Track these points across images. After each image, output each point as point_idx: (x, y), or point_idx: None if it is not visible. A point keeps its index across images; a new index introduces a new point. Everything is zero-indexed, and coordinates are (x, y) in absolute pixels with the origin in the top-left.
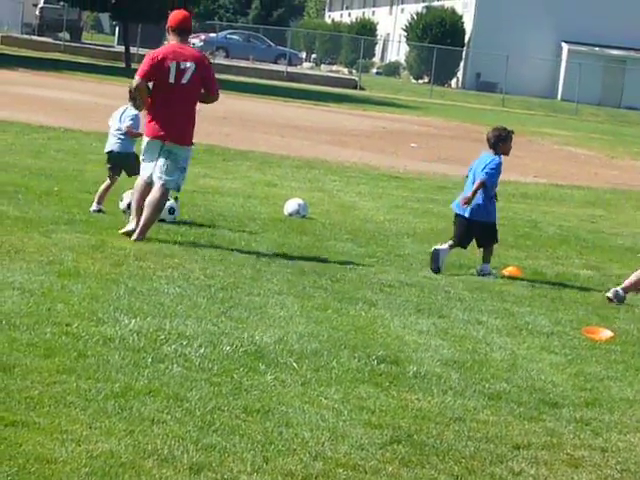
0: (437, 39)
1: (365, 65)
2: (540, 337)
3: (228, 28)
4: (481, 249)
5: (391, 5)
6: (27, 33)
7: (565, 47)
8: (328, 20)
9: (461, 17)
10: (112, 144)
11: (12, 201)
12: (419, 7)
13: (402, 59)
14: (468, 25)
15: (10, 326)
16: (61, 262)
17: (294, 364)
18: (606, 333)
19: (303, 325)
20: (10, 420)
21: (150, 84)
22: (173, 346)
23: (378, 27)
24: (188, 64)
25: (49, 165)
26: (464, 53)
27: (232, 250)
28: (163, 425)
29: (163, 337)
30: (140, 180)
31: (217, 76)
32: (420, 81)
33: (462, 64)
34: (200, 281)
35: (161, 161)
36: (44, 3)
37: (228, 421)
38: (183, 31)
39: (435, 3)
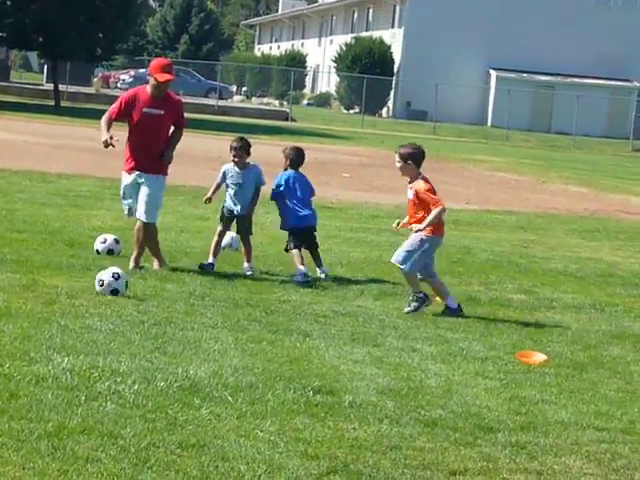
0: (366, 69)
1: (296, 97)
2: (475, 362)
3: None
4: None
5: (320, 37)
6: None
7: (493, 74)
8: (258, 53)
9: (389, 47)
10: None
11: None
12: (348, 38)
13: (333, 90)
14: (397, 54)
15: None
16: None
17: (229, 398)
18: (540, 357)
19: (238, 358)
20: None
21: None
22: (107, 383)
23: (308, 58)
24: None
25: None
26: (394, 82)
27: (165, 285)
28: (97, 463)
29: (96, 374)
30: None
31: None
32: (351, 111)
33: (392, 93)
34: (133, 317)
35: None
36: None
37: (163, 457)
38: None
39: (363, 34)
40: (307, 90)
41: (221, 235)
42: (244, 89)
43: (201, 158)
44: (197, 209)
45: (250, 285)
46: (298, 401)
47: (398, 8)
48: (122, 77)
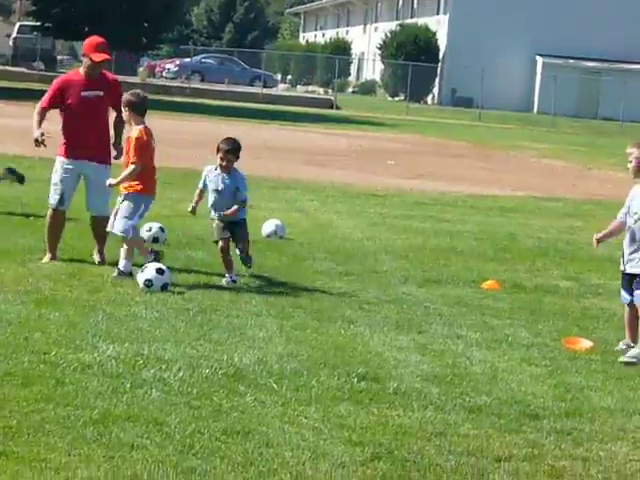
0: (411, 56)
1: (340, 84)
2: (520, 349)
3: (202, 52)
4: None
5: (365, 24)
6: (1, 64)
7: (540, 60)
8: (302, 41)
9: (435, 34)
10: None
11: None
12: (393, 25)
13: (377, 77)
14: (442, 41)
15: None
16: (38, 291)
17: (274, 385)
18: (586, 343)
19: (282, 345)
20: None
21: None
22: (152, 371)
23: (352, 46)
24: None
25: (25, 195)
26: (439, 69)
27: (210, 273)
28: (143, 450)
29: (142, 362)
30: None
31: (193, 100)
32: (396, 98)
33: (437, 80)
34: (178, 305)
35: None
36: (17, 33)
37: (208, 443)
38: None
39: (408, 20)
40: (352, 78)
41: (224, 251)
42: (289, 77)
43: (246, 146)
44: None
45: (295, 273)
46: (342, 388)
47: None
48: (167, 66)
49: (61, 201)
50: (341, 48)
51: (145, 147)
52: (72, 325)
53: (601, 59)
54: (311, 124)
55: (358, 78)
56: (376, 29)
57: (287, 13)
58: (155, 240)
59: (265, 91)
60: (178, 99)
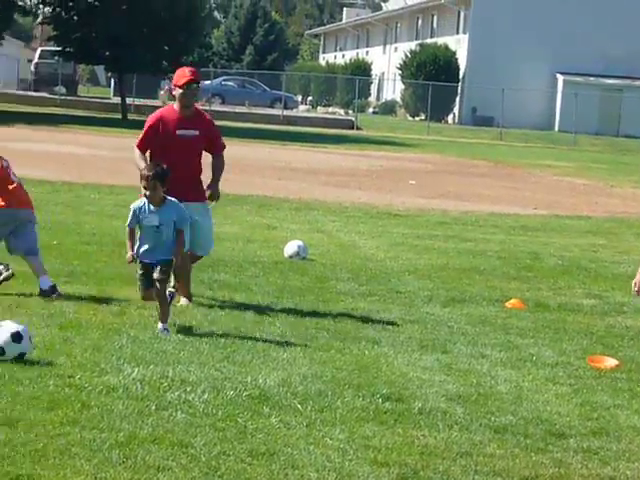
0: (431, 76)
1: (361, 105)
2: (545, 368)
3: (223, 75)
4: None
5: (384, 44)
6: (23, 89)
7: (560, 78)
8: (322, 62)
9: (454, 53)
10: None
11: (11, 256)
12: (412, 45)
13: (398, 97)
14: (462, 60)
15: (13, 380)
16: (63, 314)
17: (298, 406)
18: (611, 362)
19: (306, 366)
20: (15, 474)
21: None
22: (177, 393)
23: (372, 67)
24: None
25: (48, 218)
26: (459, 88)
27: (233, 295)
28: (168, 472)
29: (166, 384)
30: None
31: (215, 122)
32: (417, 118)
33: (458, 99)
34: (202, 327)
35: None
36: (39, 59)
37: (234, 465)
38: None
39: (428, 40)
40: (372, 98)
41: (146, 299)
42: (309, 98)
43: (267, 168)
44: (263, 218)
45: (318, 293)
46: (367, 408)
47: (462, 14)
48: None
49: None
50: (361, 68)
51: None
52: (97, 348)
53: (622, 76)
54: (332, 145)
55: (379, 98)
56: (396, 49)
57: (307, 34)
58: None
59: (286, 113)
60: None
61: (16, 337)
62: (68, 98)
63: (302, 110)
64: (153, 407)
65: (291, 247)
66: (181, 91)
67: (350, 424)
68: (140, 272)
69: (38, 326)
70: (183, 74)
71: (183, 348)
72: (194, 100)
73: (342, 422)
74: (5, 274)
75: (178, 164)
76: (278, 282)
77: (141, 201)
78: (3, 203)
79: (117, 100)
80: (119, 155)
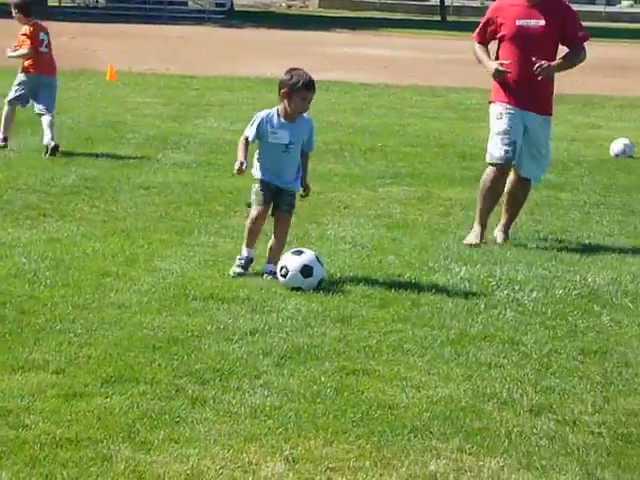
0: None
1: None
2: None
3: None
4: None
5: None
6: None
7: None
8: None
9: None
10: None
11: (338, 159)
12: None
13: None
14: None
15: (344, 279)
16: (389, 215)
17: (629, 305)
18: None
19: (637, 265)
20: (351, 369)
21: None
22: (505, 292)
23: None
24: None
25: (372, 122)
26: None
27: (559, 194)
28: (500, 369)
29: (494, 283)
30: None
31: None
32: None
33: None
34: (528, 226)
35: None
36: None
37: (566, 363)
38: None
39: None
40: None
41: (258, 222)
42: None
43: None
44: (587, 117)
45: None
46: None
47: None
48: None
49: (514, 153)
50: None
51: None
52: (424, 248)
53: None
54: None
55: None
56: None
57: None
58: None
59: (608, 9)
60: None
61: (305, 271)
62: (387, 2)
63: (625, 6)
64: (482, 305)
65: (617, 146)
66: None
67: None
68: (258, 187)
69: (366, 227)
70: None
71: (509, 248)
72: None
73: None
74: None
75: (521, 61)
76: (605, 181)
77: (270, 111)
78: (32, 70)
79: (436, 2)
80: (439, 57)
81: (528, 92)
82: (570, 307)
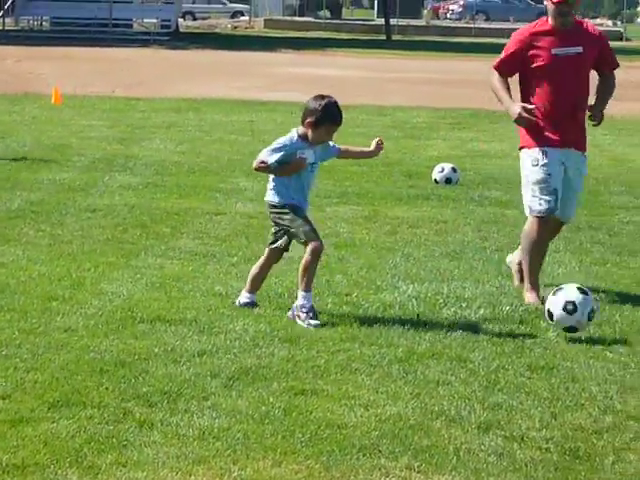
0: None
1: (629, 15)
2: None
3: None
4: None
5: None
6: (289, 15)
7: None
8: None
9: None
10: None
11: None
12: None
13: None
14: None
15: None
16: (337, 234)
17: None
18: None
19: (582, 281)
20: (300, 389)
21: None
22: (452, 309)
23: None
24: None
25: None
26: None
27: (504, 211)
28: (448, 386)
29: (442, 301)
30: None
31: (478, 40)
32: None
33: None
34: (474, 243)
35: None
36: None
37: (513, 379)
38: None
39: None
40: None
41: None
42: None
43: None
44: None
45: (591, 207)
46: None
47: None
48: (451, 7)
49: (550, 208)
50: None
51: None
52: (371, 266)
53: None
54: None
55: None
56: None
57: None
58: (448, 181)
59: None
60: (463, 40)
61: (569, 308)
62: (333, 22)
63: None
64: (430, 323)
65: None
66: (553, 8)
67: (630, 338)
68: (294, 216)
69: None
70: None
71: (457, 265)
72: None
73: (622, 335)
74: None
75: (559, 94)
76: None
77: (290, 136)
78: None
79: (380, 21)
80: (385, 76)
81: (568, 128)
82: (517, 323)
